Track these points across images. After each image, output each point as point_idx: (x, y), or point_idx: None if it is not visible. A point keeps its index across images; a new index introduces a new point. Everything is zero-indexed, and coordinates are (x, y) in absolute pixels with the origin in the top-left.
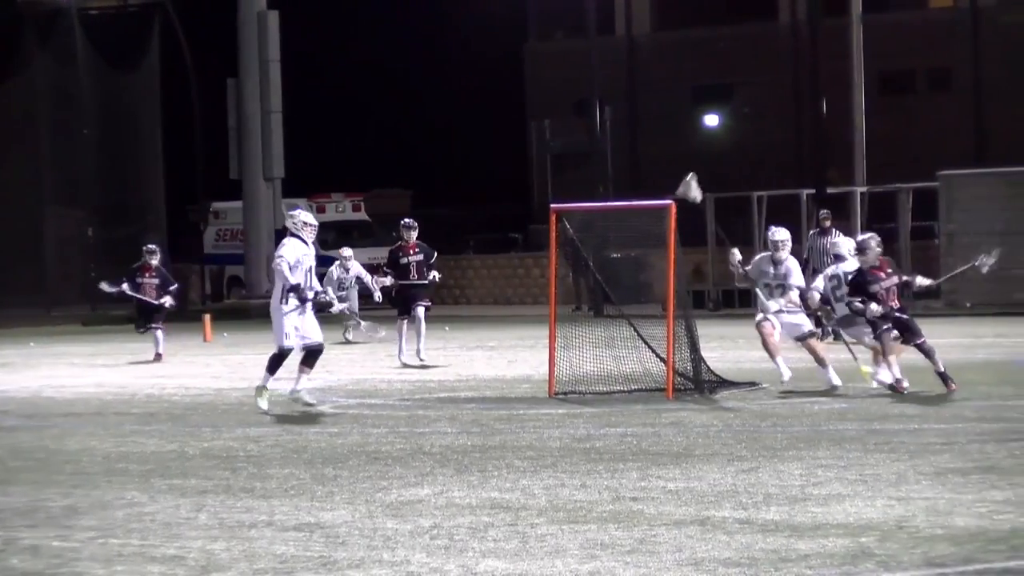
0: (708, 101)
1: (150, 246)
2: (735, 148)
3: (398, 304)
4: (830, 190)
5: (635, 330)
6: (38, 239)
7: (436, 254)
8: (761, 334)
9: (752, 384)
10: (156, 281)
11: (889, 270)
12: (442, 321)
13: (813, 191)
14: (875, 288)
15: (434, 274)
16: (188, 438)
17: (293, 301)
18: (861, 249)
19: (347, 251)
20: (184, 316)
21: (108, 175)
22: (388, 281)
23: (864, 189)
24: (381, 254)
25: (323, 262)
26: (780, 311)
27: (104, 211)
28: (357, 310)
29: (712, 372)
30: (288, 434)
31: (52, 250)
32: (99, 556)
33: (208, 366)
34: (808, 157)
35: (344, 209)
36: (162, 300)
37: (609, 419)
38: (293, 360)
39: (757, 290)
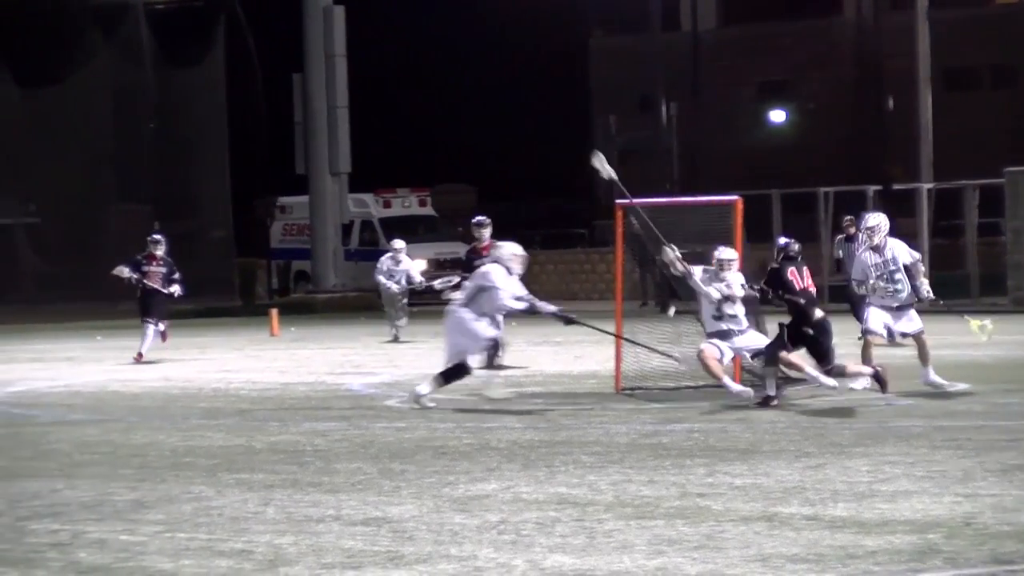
0: (772, 97)
1: (155, 236)
2: (799, 144)
3: None
4: (895, 186)
5: (702, 326)
6: (103, 234)
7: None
8: (703, 359)
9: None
10: (163, 270)
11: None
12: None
13: (880, 187)
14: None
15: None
16: (255, 432)
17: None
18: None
19: (399, 243)
20: (251, 311)
21: (173, 170)
22: (455, 287)
23: (931, 185)
24: (446, 249)
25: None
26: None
27: (169, 206)
28: (405, 308)
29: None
30: (355, 429)
31: (117, 245)
32: (166, 550)
33: (275, 360)
34: (872, 154)
35: (410, 204)
36: (170, 289)
37: (676, 415)
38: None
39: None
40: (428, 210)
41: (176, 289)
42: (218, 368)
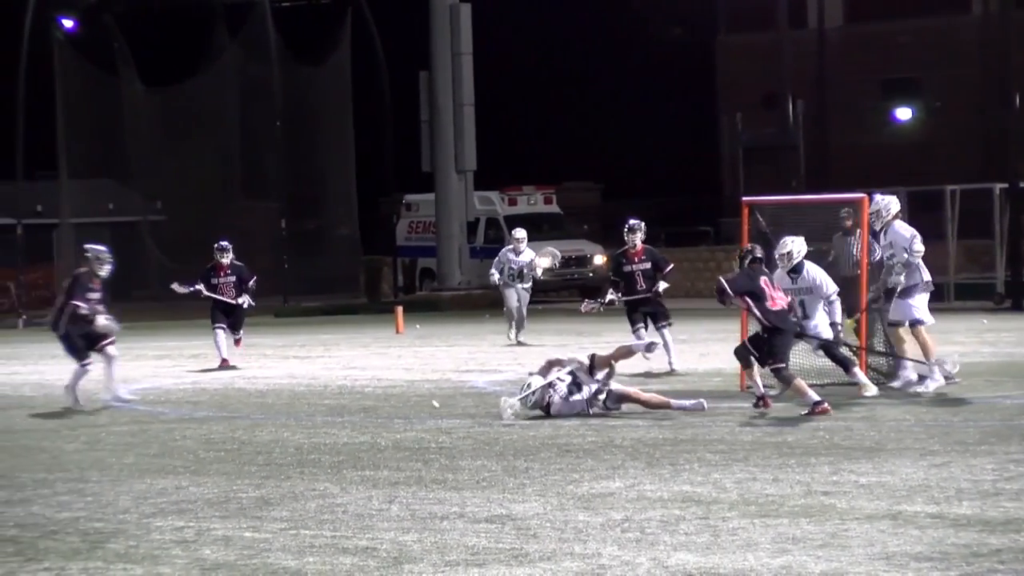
0: (898, 94)
1: (222, 243)
2: (925, 142)
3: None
4: (1022, 184)
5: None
6: (228, 231)
7: (670, 263)
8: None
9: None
10: (232, 279)
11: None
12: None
13: (1006, 185)
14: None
15: (661, 285)
16: (380, 430)
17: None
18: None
19: (520, 232)
20: (376, 308)
21: (299, 168)
22: (611, 298)
23: None
24: (571, 247)
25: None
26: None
27: (295, 204)
28: (524, 306)
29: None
30: (479, 426)
31: (243, 242)
32: (290, 547)
33: (400, 358)
34: (998, 151)
35: (535, 202)
36: (240, 300)
37: (801, 413)
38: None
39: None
40: (553, 207)
41: (247, 300)
42: (343, 365)
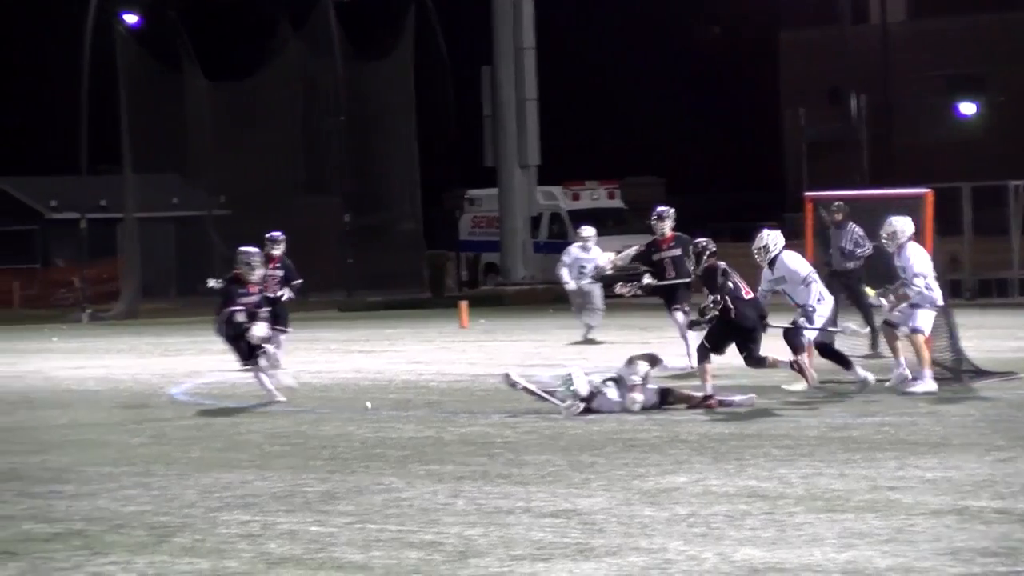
0: (962, 90)
1: (274, 234)
2: (989, 137)
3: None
4: None
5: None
6: (292, 226)
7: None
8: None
9: (1010, 374)
10: (280, 273)
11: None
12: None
13: None
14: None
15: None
16: (445, 424)
17: None
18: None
19: (588, 230)
20: (440, 303)
21: (362, 163)
22: (647, 281)
23: None
24: (635, 242)
25: None
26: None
27: (359, 199)
28: (599, 304)
29: (970, 362)
30: (544, 420)
31: (306, 237)
32: (356, 541)
33: (464, 352)
34: None
35: (598, 196)
36: (280, 293)
37: (866, 408)
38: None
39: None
40: (617, 202)
41: (287, 293)
42: (408, 360)
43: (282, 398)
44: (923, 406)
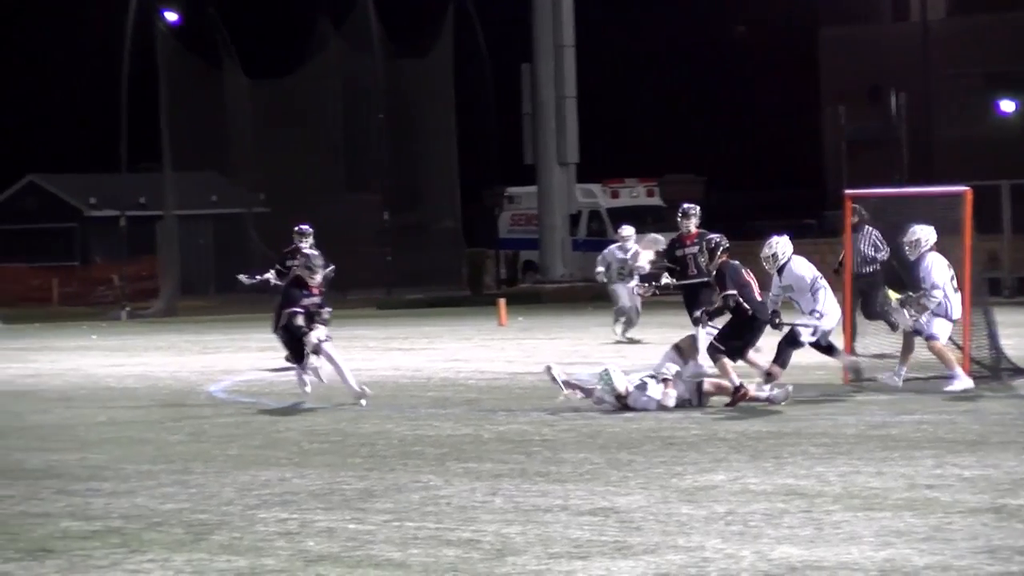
0: (1002, 87)
1: (302, 227)
2: None
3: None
4: None
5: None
6: (331, 224)
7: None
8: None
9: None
10: None
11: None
12: None
13: None
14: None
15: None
16: (483, 422)
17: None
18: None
19: (627, 229)
20: (479, 300)
21: (401, 161)
22: (665, 281)
23: None
24: None
25: None
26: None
27: (398, 196)
28: (638, 303)
29: (1008, 360)
30: (582, 419)
31: (345, 235)
32: (394, 539)
33: (503, 350)
34: None
35: (638, 194)
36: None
37: (904, 406)
38: None
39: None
40: (656, 200)
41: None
42: (447, 358)
43: (306, 399)
44: (962, 404)
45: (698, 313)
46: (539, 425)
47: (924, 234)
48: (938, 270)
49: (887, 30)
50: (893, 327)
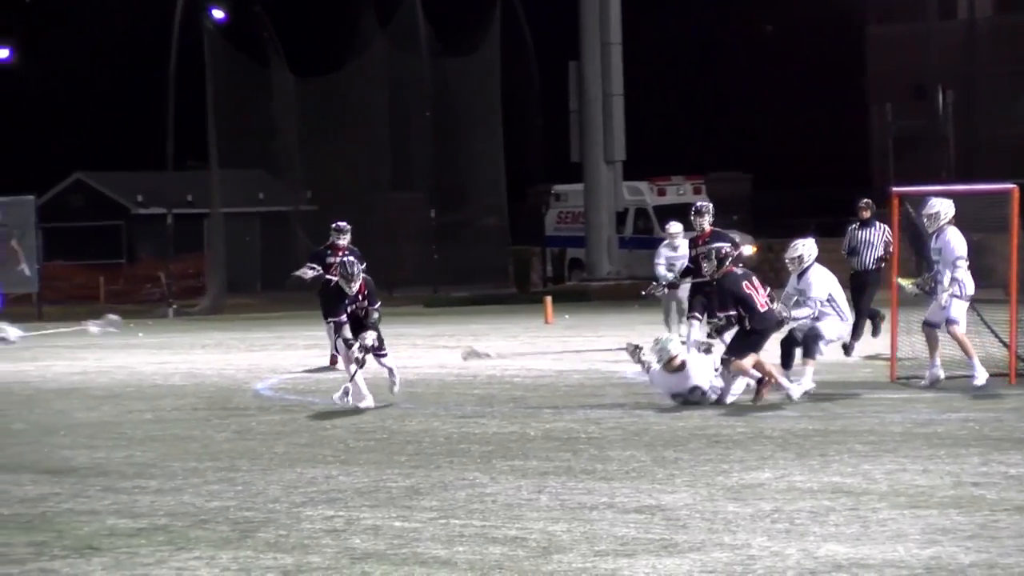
0: None
1: (340, 224)
2: None
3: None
4: None
5: (978, 314)
6: (377, 221)
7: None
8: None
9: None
10: None
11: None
12: None
13: None
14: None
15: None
16: (529, 419)
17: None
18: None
19: (675, 226)
20: (525, 298)
21: (447, 158)
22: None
23: None
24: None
25: None
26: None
27: (444, 194)
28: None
29: None
30: (628, 416)
31: (392, 232)
32: (440, 536)
33: (549, 348)
34: None
35: (684, 192)
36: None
37: (951, 404)
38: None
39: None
40: (702, 198)
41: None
42: (493, 355)
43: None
44: (1008, 401)
45: (708, 327)
46: (585, 423)
47: (943, 207)
48: (958, 242)
49: (934, 28)
50: (876, 331)
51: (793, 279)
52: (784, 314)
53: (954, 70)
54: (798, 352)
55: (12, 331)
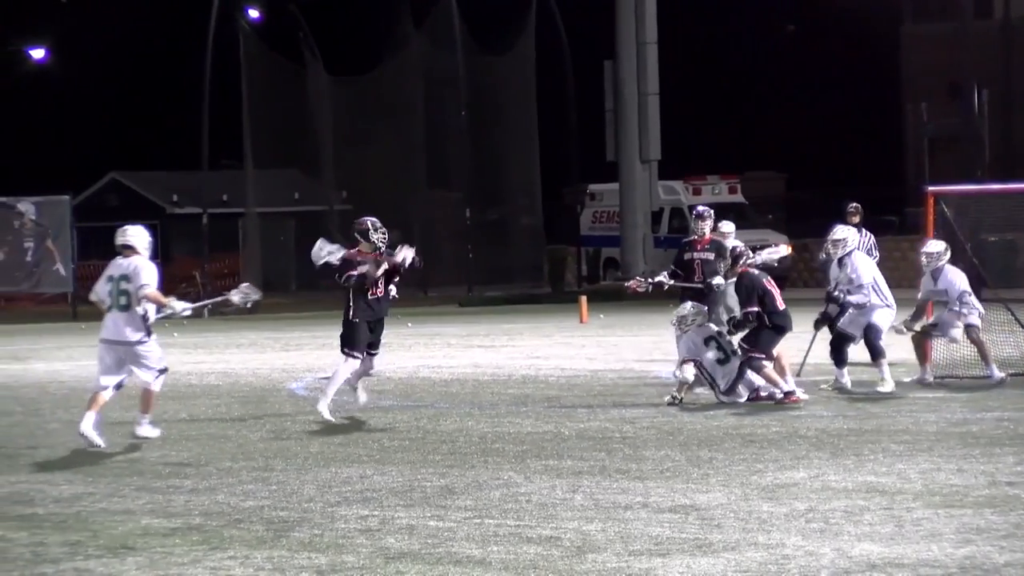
0: None
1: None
2: None
3: None
4: None
5: (1012, 314)
6: (413, 221)
7: (732, 256)
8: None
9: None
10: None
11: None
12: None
13: None
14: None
15: (717, 280)
16: (563, 419)
17: None
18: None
19: (728, 225)
20: (560, 298)
21: (483, 158)
22: (659, 279)
23: None
24: (755, 237)
25: None
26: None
27: (480, 193)
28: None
29: None
30: (663, 416)
31: (427, 232)
32: (474, 536)
33: (583, 347)
34: None
35: (720, 191)
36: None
37: (985, 403)
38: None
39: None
40: (738, 197)
41: (392, 291)
42: (527, 355)
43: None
44: None
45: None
46: (619, 422)
47: (937, 248)
48: (960, 280)
49: (969, 27)
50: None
51: (834, 267)
52: (839, 295)
53: (989, 69)
54: (850, 349)
55: (179, 305)
